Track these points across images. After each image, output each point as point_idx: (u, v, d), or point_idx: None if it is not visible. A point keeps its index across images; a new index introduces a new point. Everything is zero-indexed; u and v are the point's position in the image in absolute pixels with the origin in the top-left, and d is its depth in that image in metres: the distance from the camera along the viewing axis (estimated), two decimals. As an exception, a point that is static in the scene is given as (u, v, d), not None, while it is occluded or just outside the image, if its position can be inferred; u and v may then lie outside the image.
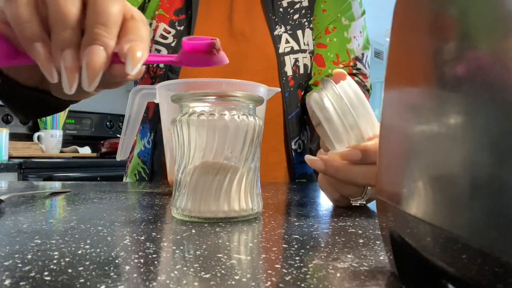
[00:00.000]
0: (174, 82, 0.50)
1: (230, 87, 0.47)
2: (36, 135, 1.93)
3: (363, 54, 0.73)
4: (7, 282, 0.17)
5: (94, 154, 1.98)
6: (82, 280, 0.17)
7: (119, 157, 0.56)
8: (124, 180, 0.79)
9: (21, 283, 0.17)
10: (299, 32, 0.70)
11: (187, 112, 0.33)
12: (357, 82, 0.71)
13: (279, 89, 0.55)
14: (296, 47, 0.69)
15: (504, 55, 0.11)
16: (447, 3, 0.14)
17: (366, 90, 0.72)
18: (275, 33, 0.69)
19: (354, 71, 0.72)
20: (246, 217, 0.33)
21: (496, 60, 0.11)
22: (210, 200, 0.32)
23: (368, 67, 0.75)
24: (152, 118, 0.69)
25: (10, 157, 1.67)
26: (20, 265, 0.19)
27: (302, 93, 0.73)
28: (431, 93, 0.14)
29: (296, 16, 0.70)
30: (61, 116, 2.03)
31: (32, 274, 0.18)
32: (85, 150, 2.01)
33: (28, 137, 2.00)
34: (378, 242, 0.26)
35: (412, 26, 0.17)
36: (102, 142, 2.02)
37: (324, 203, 0.43)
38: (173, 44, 0.66)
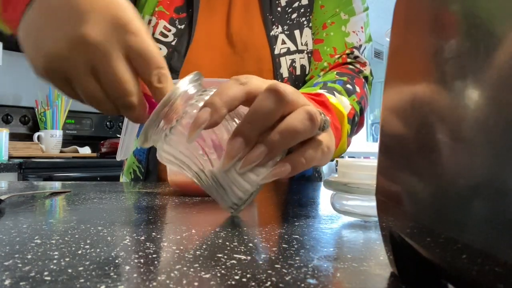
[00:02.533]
0: (175, 82, 0.50)
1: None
2: (36, 135, 1.93)
3: (361, 45, 0.70)
4: (7, 282, 0.17)
5: (94, 154, 1.98)
6: (82, 280, 0.17)
7: (119, 157, 0.56)
8: (120, 178, 0.79)
9: (21, 283, 0.17)
10: (297, 32, 0.68)
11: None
12: (351, 70, 0.67)
13: None
14: (292, 48, 0.68)
15: (504, 55, 0.11)
16: (447, 2, 0.14)
17: (365, 77, 0.68)
18: (271, 33, 0.67)
19: (349, 60, 0.68)
20: (247, 201, 0.32)
21: (496, 59, 0.11)
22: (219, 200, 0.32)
23: (365, 57, 0.71)
24: None
25: (10, 157, 1.67)
26: (20, 265, 0.19)
27: None
28: (431, 93, 0.14)
29: (294, 15, 0.69)
30: (61, 116, 2.03)
31: (32, 274, 0.18)
32: (85, 150, 2.00)
33: (28, 137, 2.00)
34: (378, 242, 0.26)
35: (412, 26, 0.17)
36: (102, 142, 2.02)
37: (324, 203, 0.43)
38: (173, 43, 0.66)
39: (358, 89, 0.61)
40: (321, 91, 0.55)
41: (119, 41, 0.32)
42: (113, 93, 0.33)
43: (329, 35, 0.68)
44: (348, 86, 0.60)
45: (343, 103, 0.54)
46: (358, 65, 0.69)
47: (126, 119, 0.54)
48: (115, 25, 0.32)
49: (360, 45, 0.69)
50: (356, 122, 0.58)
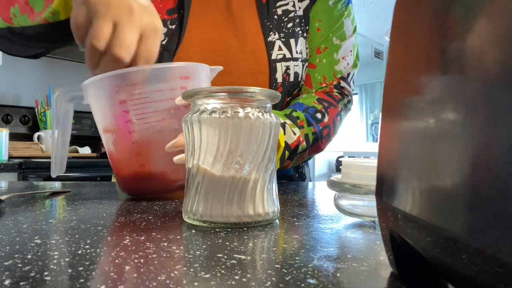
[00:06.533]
0: (102, 77, 0.42)
1: (159, 72, 0.43)
2: (36, 135, 1.93)
3: (349, 73, 0.74)
4: (7, 282, 0.17)
5: (94, 154, 1.98)
6: (82, 280, 0.17)
7: (55, 173, 0.50)
8: (112, 180, 0.78)
9: (21, 283, 0.17)
10: (292, 41, 0.71)
11: (198, 110, 0.31)
12: (332, 97, 0.72)
13: (221, 68, 0.53)
14: (288, 55, 0.70)
15: (505, 55, 0.11)
16: (447, 3, 0.14)
17: (344, 105, 0.73)
18: (268, 39, 0.69)
19: (335, 91, 0.73)
20: (260, 222, 0.31)
21: (496, 59, 0.11)
22: (223, 204, 0.30)
23: (353, 83, 0.76)
24: None
25: (10, 157, 1.67)
26: (20, 265, 0.19)
27: (288, 99, 0.73)
28: (431, 93, 0.14)
29: (290, 25, 0.71)
30: (61, 116, 2.02)
31: (32, 274, 0.18)
32: (85, 150, 2.01)
33: (28, 137, 2.00)
34: (378, 242, 0.26)
35: (412, 26, 0.17)
36: (102, 142, 2.02)
37: (324, 203, 0.43)
38: (164, 43, 0.66)
39: (326, 118, 0.67)
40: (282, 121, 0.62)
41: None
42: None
43: (321, 62, 0.73)
44: (317, 115, 0.66)
45: (289, 135, 0.62)
46: (340, 93, 0.74)
47: (55, 133, 0.49)
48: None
49: (348, 74, 0.74)
50: (304, 149, 0.65)
